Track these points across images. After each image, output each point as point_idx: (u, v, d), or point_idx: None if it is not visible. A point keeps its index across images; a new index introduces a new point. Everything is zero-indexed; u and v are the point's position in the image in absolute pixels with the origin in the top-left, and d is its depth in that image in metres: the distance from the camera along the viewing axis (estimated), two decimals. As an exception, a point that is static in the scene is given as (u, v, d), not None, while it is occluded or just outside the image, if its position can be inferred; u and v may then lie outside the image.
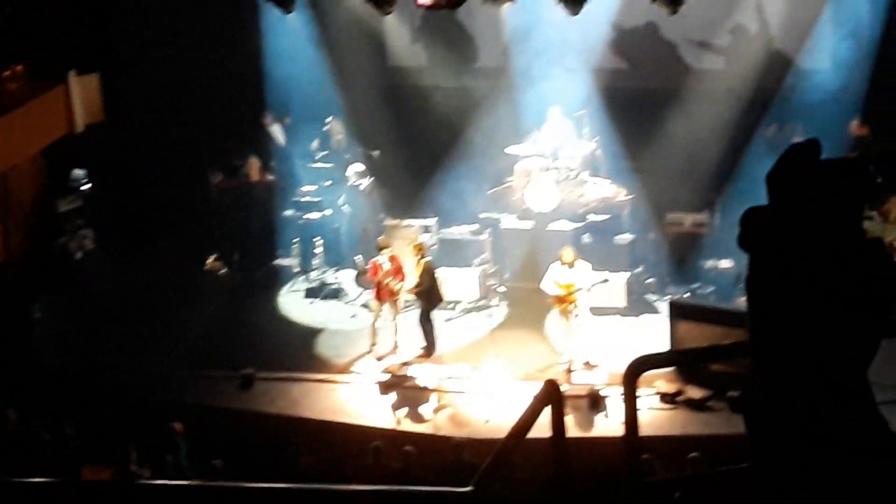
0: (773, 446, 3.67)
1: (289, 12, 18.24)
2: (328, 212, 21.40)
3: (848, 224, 3.47)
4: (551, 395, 4.90)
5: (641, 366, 5.12)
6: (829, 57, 21.56)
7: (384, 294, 18.63)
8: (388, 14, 20.75)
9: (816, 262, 3.46)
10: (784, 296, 3.49)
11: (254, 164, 22.41)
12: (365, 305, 19.95)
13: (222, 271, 21.90)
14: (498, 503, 8.56)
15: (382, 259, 18.61)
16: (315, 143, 22.41)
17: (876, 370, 3.76)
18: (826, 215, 3.45)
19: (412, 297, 18.78)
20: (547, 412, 5.00)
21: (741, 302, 18.29)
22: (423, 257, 18.65)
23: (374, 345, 18.72)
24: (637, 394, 5.15)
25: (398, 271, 18.57)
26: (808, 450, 3.53)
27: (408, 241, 19.20)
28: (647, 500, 5.00)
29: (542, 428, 5.04)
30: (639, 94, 21.79)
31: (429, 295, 18.62)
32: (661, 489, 5.32)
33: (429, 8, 17.70)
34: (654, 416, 16.40)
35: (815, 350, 3.47)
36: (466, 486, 4.60)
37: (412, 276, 18.64)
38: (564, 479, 4.95)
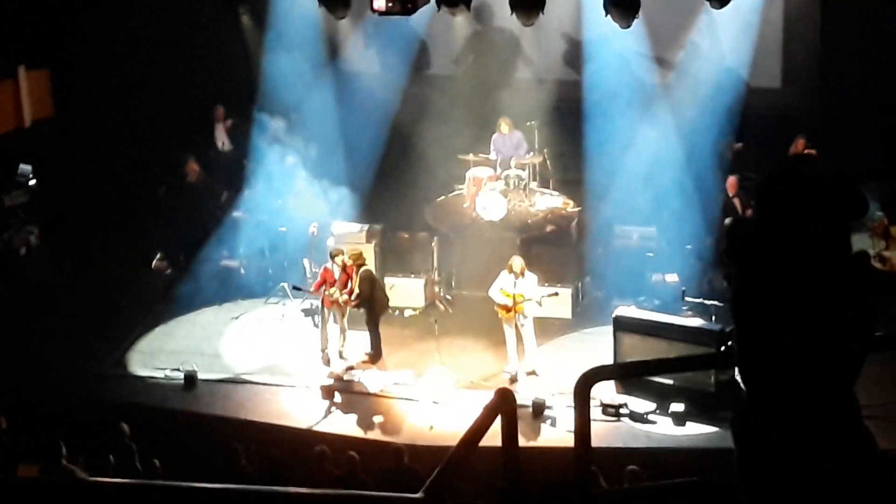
0: (761, 460, 3.68)
1: (239, 13, 18.15)
2: (275, 214, 21.29)
3: (835, 239, 3.49)
4: (504, 404, 4.89)
5: (593, 377, 5.11)
6: (778, 75, 21.72)
7: (329, 301, 18.58)
8: (341, 19, 20.72)
9: (803, 276, 3.47)
10: (770, 309, 3.51)
11: (192, 166, 22.26)
12: (309, 310, 19.90)
13: (167, 271, 21.77)
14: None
15: (334, 266, 18.55)
16: (264, 144, 22.32)
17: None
18: (814, 231, 3.47)
19: (343, 304, 18.74)
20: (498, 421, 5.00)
21: (686, 315, 18.42)
22: (360, 266, 18.62)
23: (323, 349, 18.67)
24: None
25: (347, 282, 18.50)
26: (796, 463, 3.55)
27: (348, 250, 19.10)
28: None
29: (489, 436, 5.03)
30: (590, 106, 21.85)
31: (370, 303, 18.61)
32: (610, 501, 5.32)
33: (383, 14, 17.65)
34: (597, 428, 16.36)
35: (802, 364, 3.49)
36: (410, 492, 4.57)
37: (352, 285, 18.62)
38: (516, 489, 4.94)
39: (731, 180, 20.46)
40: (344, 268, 18.58)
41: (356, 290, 18.46)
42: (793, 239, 3.49)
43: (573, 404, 5.02)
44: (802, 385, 3.50)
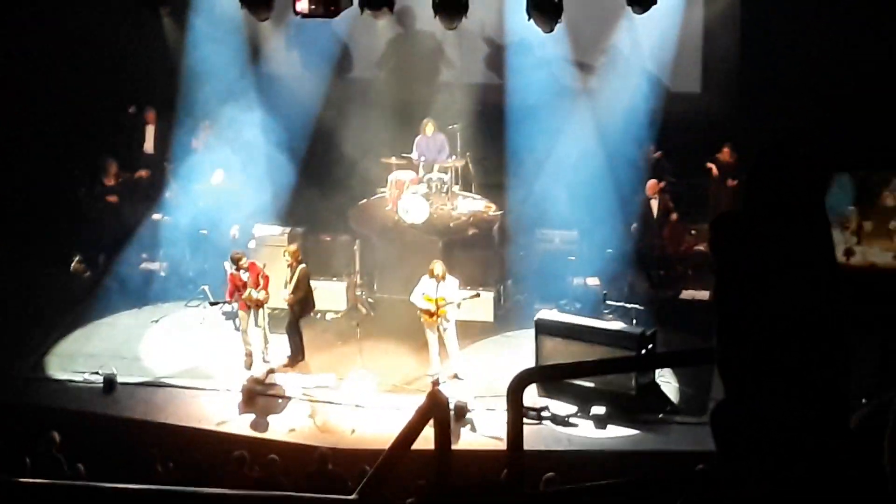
0: (743, 460, 3.68)
1: (160, 14, 18.01)
2: (196, 216, 21.15)
3: (820, 231, 3.49)
4: (436, 407, 4.89)
5: (525, 380, 5.12)
6: (698, 80, 21.92)
7: (245, 304, 18.45)
8: (264, 20, 20.63)
9: (791, 272, 3.47)
10: (755, 304, 3.51)
11: (112, 166, 22.04)
12: (231, 313, 19.81)
13: (86, 273, 21.56)
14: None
15: (238, 272, 18.38)
16: (186, 146, 22.21)
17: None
18: (804, 222, 3.46)
19: (286, 304, 18.65)
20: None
21: (607, 319, 18.54)
22: (299, 263, 18.56)
23: (248, 353, 18.55)
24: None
25: (258, 280, 18.37)
26: (779, 463, 3.55)
27: (283, 249, 19.03)
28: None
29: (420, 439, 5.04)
30: (512, 110, 21.92)
31: (304, 302, 18.55)
32: (541, 502, 5.34)
33: (305, 16, 17.60)
34: (519, 431, 16.44)
35: (787, 362, 3.49)
36: (333, 494, 4.57)
37: (288, 283, 18.52)
38: (448, 492, 4.95)
39: (651, 183, 20.63)
40: (251, 268, 18.35)
41: (292, 286, 18.35)
42: (782, 231, 3.48)
43: (506, 406, 5.02)
44: (785, 382, 3.51)
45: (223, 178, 21.34)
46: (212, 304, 19.58)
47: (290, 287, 18.46)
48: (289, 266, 18.60)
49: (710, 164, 21.08)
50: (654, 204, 20.60)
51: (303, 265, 18.61)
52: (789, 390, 3.44)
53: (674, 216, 20.60)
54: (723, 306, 3.57)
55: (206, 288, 19.99)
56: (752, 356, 3.47)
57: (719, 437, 3.79)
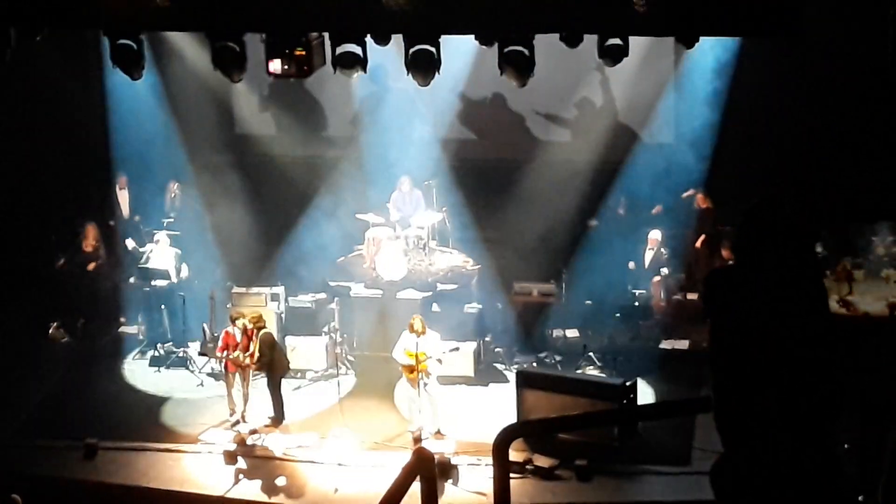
0: None
1: (136, 79, 18.05)
2: (173, 279, 21.14)
3: (810, 282, 3.53)
4: (422, 464, 4.89)
5: (510, 435, 5.14)
6: (672, 131, 22.04)
7: (232, 365, 18.46)
8: (237, 82, 20.66)
9: (782, 322, 3.50)
10: (748, 357, 3.54)
11: (90, 232, 22.01)
12: (211, 374, 19.78)
13: (64, 339, 21.49)
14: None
15: (234, 330, 18.44)
16: (161, 209, 22.24)
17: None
18: (790, 273, 3.49)
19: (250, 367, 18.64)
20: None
21: (587, 371, 18.56)
22: (260, 329, 18.54)
23: (232, 413, 18.51)
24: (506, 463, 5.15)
25: (248, 344, 18.39)
26: None
27: (248, 313, 19.01)
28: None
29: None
30: (487, 164, 22.03)
31: (271, 365, 18.52)
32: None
33: (279, 77, 17.66)
34: (503, 485, 16.40)
35: (777, 412, 3.52)
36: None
37: (253, 349, 18.51)
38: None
39: (653, 235, 20.70)
40: (245, 331, 18.46)
41: (256, 354, 18.37)
42: (773, 284, 3.51)
43: (492, 461, 5.03)
44: (778, 433, 3.53)
45: (200, 240, 21.32)
46: (200, 354, 19.55)
47: (256, 353, 18.41)
48: (249, 332, 18.53)
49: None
50: (649, 255, 20.70)
51: (264, 330, 18.57)
52: (784, 440, 3.47)
53: (665, 270, 20.68)
54: (716, 360, 3.60)
55: (186, 351, 19.94)
56: (746, 408, 3.49)
57: (719, 492, 3.82)
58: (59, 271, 21.95)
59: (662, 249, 20.72)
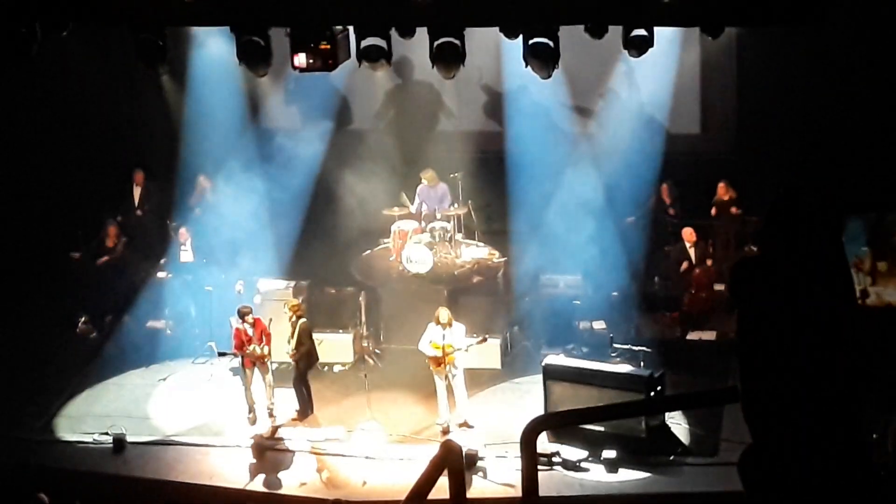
0: (769, 499, 3.68)
1: (159, 73, 18.07)
2: (200, 273, 21.16)
3: (837, 271, 3.51)
4: (450, 457, 4.89)
5: (538, 427, 5.12)
6: (697, 121, 21.97)
7: (250, 360, 18.43)
8: (262, 76, 20.69)
9: (804, 313, 3.48)
10: (776, 347, 3.52)
11: (111, 230, 22.08)
12: (232, 370, 19.79)
13: (92, 334, 21.55)
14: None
15: (245, 326, 18.40)
16: (188, 203, 22.28)
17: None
18: (816, 264, 3.48)
19: (289, 359, 18.63)
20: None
21: (615, 362, 18.52)
22: (300, 318, 18.54)
23: (251, 410, 18.52)
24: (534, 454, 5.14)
25: (262, 336, 18.38)
26: (804, 500, 3.56)
27: (284, 302, 19.05)
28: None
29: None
30: (513, 156, 21.97)
31: (308, 357, 18.54)
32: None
33: (304, 70, 17.66)
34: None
35: (804, 401, 3.50)
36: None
37: (290, 338, 18.50)
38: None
39: (688, 231, 20.71)
40: (256, 324, 18.38)
41: (294, 342, 18.35)
42: (800, 274, 3.49)
43: (520, 453, 5.02)
44: (806, 423, 3.52)
45: (226, 234, 21.33)
46: (220, 354, 19.52)
47: (293, 342, 18.44)
48: (290, 321, 18.58)
49: (713, 209, 21.16)
50: (692, 252, 20.68)
51: (303, 319, 18.59)
52: (812, 430, 3.45)
53: (709, 261, 20.67)
54: (744, 351, 3.59)
55: (212, 344, 19.96)
56: (774, 398, 3.48)
57: (748, 483, 3.80)
58: (76, 264, 22.02)
59: (700, 242, 20.71)
